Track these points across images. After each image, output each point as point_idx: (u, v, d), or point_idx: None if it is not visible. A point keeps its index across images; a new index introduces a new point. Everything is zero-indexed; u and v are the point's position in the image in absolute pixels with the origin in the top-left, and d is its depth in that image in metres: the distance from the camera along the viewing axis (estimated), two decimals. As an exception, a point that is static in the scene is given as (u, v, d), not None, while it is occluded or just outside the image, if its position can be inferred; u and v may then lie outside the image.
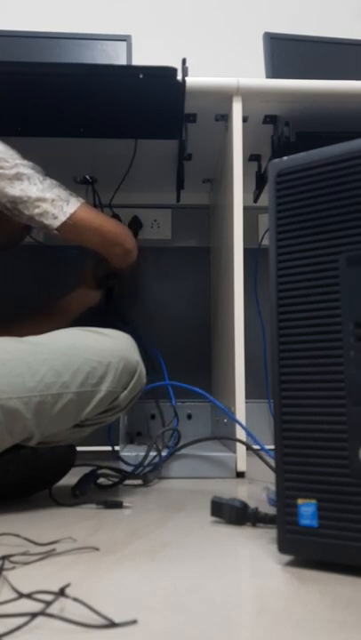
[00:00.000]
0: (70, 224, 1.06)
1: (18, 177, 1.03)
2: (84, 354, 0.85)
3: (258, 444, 1.07)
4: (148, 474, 1.02)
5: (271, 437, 1.55)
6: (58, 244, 1.64)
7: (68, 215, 1.05)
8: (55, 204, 1.05)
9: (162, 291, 1.69)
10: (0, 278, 1.63)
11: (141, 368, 0.91)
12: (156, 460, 1.07)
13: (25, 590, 0.45)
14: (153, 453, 1.08)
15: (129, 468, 1.04)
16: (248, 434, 1.09)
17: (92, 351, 0.86)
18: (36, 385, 0.79)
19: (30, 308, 1.33)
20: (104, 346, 0.88)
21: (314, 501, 0.53)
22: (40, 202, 1.04)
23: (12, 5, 1.86)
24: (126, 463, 1.08)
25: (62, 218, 1.05)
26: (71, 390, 0.82)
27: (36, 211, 1.04)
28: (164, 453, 1.09)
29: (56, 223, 1.05)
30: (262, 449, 1.05)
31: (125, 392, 0.88)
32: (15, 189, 1.03)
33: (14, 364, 0.79)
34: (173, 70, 1.11)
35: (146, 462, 1.05)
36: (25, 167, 1.05)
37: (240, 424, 1.11)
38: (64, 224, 1.05)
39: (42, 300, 1.38)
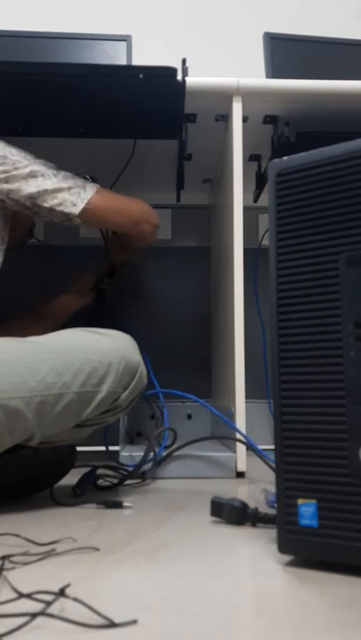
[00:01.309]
0: (90, 209, 1.08)
1: (32, 174, 1.05)
2: (85, 354, 0.85)
3: (255, 447, 1.06)
4: (147, 473, 1.03)
5: (271, 437, 1.55)
6: (58, 243, 1.65)
7: (86, 200, 1.07)
8: (72, 191, 1.07)
9: (162, 291, 1.69)
10: (0, 278, 1.63)
11: (142, 368, 0.91)
12: (155, 459, 1.08)
13: (25, 590, 0.45)
14: (152, 453, 1.08)
15: (129, 468, 1.04)
16: (246, 439, 1.09)
17: (93, 351, 0.86)
18: (37, 385, 0.79)
19: (27, 309, 1.34)
20: (105, 346, 0.88)
21: (314, 501, 0.53)
22: (57, 192, 1.06)
23: (12, 5, 1.86)
24: (124, 465, 1.08)
25: (81, 204, 1.07)
26: (72, 390, 0.82)
27: (55, 201, 1.06)
28: (157, 452, 1.09)
29: (76, 210, 1.07)
30: (260, 452, 1.05)
31: (126, 392, 0.88)
32: (30, 186, 1.05)
33: (15, 364, 0.79)
34: (173, 70, 1.11)
35: (145, 461, 1.05)
36: (38, 165, 1.07)
37: (237, 429, 1.10)
38: (84, 210, 1.07)
39: (39, 300, 1.38)
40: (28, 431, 0.79)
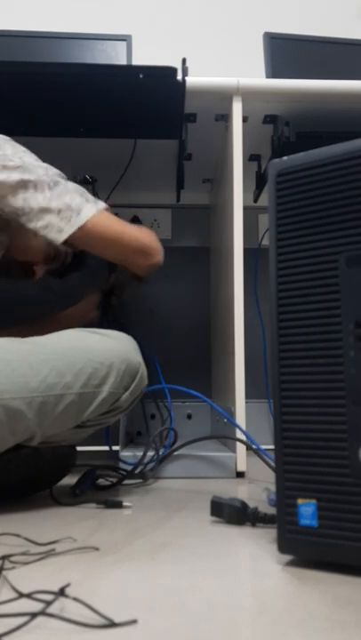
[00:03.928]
0: (78, 236, 0.95)
1: (23, 184, 0.93)
2: (87, 355, 0.85)
3: (257, 446, 1.06)
4: (146, 472, 1.03)
5: (271, 437, 1.55)
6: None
7: (75, 228, 0.94)
8: (63, 215, 0.93)
9: (162, 291, 1.69)
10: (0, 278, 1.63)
11: (143, 369, 0.91)
12: (155, 458, 1.07)
13: (25, 590, 0.45)
14: (151, 452, 1.08)
15: (129, 468, 1.04)
16: (247, 437, 1.09)
17: (95, 352, 0.86)
18: (38, 385, 0.79)
19: (29, 311, 1.33)
20: (106, 347, 0.88)
21: (314, 501, 0.53)
22: (44, 213, 0.93)
23: (13, 5, 1.86)
24: (125, 464, 1.08)
25: (69, 230, 0.94)
26: (73, 391, 0.81)
27: (40, 223, 0.93)
28: (161, 452, 1.09)
29: (61, 237, 0.94)
30: (261, 451, 1.05)
31: (127, 393, 0.88)
32: (17, 199, 0.93)
33: (17, 365, 0.79)
34: (173, 70, 1.11)
35: (144, 461, 1.05)
36: (31, 173, 0.94)
37: (238, 427, 1.10)
38: (70, 237, 0.94)
39: (42, 302, 1.38)
40: (29, 431, 0.79)
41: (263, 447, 1.07)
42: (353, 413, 0.52)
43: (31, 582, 0.49)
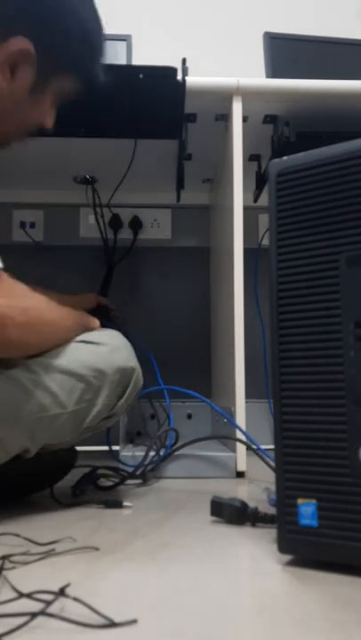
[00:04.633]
0: None
1: None
2: (79, 369, 0.81)
3: (256, 445, 1.07)
4: (147, 473, 1.03)
5: (271, 437, 1.55)
6: (58, 243, 1.65)
7: None
8: None
9: (162, 291, 1.69)
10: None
11: (137, 373, 0.88)
12: (155, 459, 1.07)
13: (25, 590, 0.45)
14: (152, 453, 1.08)
15: (129, 468, 1.04)
16: (247, 437, 1.09)
17: (87, 365, 0.82)
18: (31, 409, 0.75)
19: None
20: (98, 357, 0.84)
21: (314, 501, 0.53)
22: None
23: (12, 5, 1.86)
24: (125, 464, 1.08)
25: None
26: (68, 410, 0.79)
27: None
28: (162, 453, 1.09)
29: None
30: (261, 450, 1.05)
31: (122, 400, 0.86)
32: None
33: (9, 389, 0.75)
34: (173, 70, 1.11)
35: (145, 462, 1.05)
36: None
37: (238, 427, 1.10)
38: None
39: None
40: (23, 448, 0.77)
41: (263, 447, 1.07)
42: (353, 413, 0.52)
43: (31, 582, 0.49)
